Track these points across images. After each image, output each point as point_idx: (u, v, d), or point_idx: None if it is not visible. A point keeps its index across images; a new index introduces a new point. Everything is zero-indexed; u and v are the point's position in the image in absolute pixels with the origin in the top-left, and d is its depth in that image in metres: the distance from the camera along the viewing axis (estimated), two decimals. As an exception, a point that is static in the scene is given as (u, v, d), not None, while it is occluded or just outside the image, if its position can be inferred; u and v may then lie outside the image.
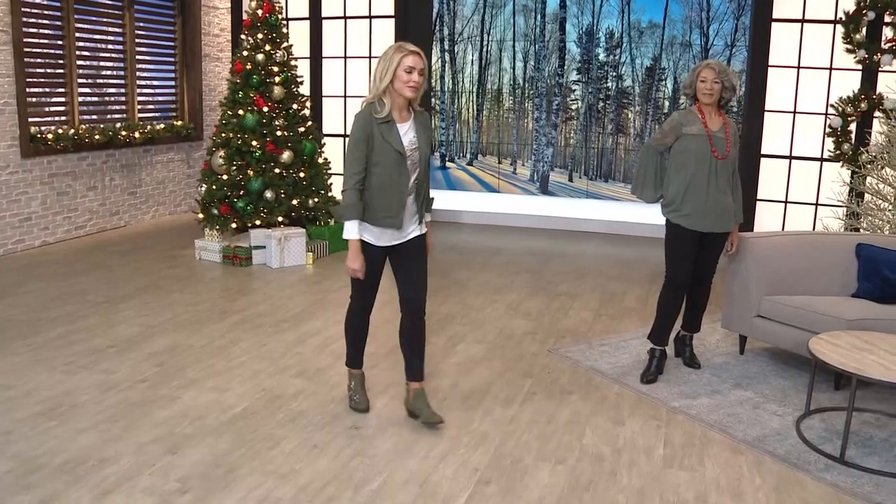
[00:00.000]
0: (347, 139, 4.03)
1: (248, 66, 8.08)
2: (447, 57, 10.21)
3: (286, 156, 8.04)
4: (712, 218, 4.87)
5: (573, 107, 9.90)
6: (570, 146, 9.89)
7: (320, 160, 8.47)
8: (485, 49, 10.00)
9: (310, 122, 8.50)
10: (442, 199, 10.06)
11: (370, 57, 8.67)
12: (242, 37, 8.20)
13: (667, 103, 9.62)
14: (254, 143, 7.94)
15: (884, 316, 4.85)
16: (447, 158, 10.39)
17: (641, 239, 9.33)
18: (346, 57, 8.79)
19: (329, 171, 8.60)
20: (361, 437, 4.09)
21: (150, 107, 9.80)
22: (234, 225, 7.96)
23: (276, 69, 8.14)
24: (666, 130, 4.91)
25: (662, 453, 4.01)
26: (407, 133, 3.94)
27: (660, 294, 5.09)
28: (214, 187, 7.99)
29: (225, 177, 7.96)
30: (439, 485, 3.63)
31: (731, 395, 4.80)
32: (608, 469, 3.83)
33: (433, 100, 10.15)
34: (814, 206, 8.10)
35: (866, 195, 7.07)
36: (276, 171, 8.03)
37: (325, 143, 8.73)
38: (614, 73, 9.68)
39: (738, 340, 5.58)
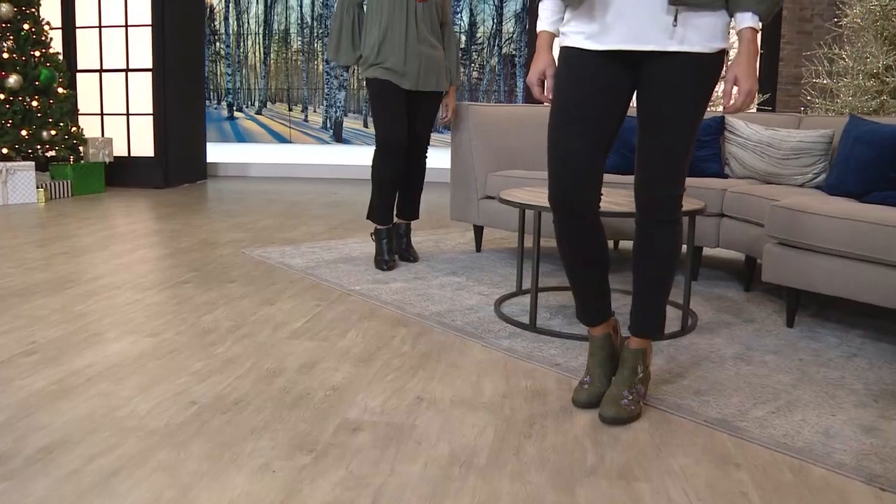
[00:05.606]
0: None
1: (-31, -20, 6.99)
2: (231, -5, 9.28)
3: (13, 80, 6.96)
4: (416, 73, 4.10)
5: (365, 45, 9.08)
6: (364, 89, 9.05)
7: (61, 90, 7.41)
8: (270, -15, 9.11)
9: (51, 50, 7.44)
10: (229, 153, 9.12)
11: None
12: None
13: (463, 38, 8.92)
14: (-25, 65, 6.85)
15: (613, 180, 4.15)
16: (234, 108, 9.42)
17: (436, 185, 8.50)
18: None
19: (79, 111, 7.59)
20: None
21: None
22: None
23: (3, -16, 7.07)
24: None
25: (297, 327, 3.16)
26: None
27: (372, 165, 4.24)
28: (-68, 118, 6.86)
29: (-59, 104, 6.85)
30: (-39, 356, 2.70)
31: (434, 281, 4.01)
32: (209, 341, 2.95)
33: (217, 44, 9.20)
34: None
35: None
36: (2, 97, 6.95)
37: (67, 75, 7.68)
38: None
39: (474, 236, 4.79)
